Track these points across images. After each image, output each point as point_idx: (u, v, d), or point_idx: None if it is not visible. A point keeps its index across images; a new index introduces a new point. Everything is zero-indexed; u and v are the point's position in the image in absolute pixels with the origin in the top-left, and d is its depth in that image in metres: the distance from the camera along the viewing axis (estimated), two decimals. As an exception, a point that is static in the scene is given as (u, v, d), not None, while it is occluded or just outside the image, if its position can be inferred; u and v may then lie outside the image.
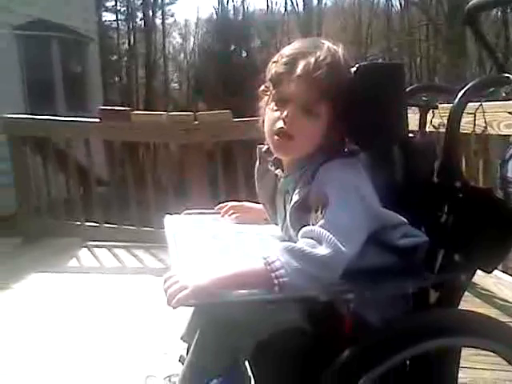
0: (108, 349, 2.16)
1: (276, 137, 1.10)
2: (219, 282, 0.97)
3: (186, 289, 0.96)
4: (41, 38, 8.71)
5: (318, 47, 1.07)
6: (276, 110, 1.10)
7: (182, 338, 1.30)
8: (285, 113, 1.07)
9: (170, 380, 1.26)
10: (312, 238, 0.98)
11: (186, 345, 1.24)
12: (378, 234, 1.06)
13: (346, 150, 1.12)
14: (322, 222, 0.99)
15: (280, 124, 1.09)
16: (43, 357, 2.10)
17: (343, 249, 0.96)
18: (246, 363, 1.15)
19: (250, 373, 1.16)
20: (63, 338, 2.27)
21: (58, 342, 2.23)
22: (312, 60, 1.04)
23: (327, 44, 1.09)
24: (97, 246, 3.69)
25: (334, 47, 1.09)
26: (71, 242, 3.81)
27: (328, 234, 0.97)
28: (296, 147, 1.10)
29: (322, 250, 0.96)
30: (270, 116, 1.12)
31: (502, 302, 2.52)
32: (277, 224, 1.26)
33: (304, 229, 1.01)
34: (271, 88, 1.11)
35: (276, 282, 0.95)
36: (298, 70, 1.04)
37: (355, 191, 1.03)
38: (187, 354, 1.21)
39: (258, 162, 1.25)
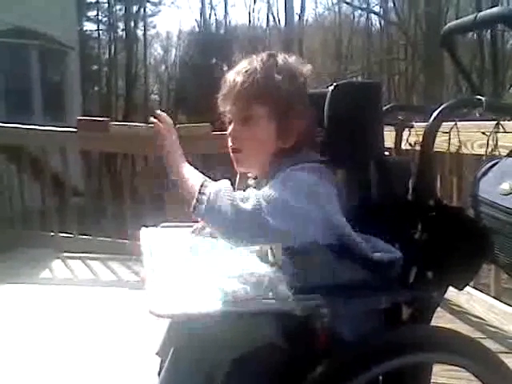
0: (81, 363, 2.12)
1: (231, 154, 1.19)
2: (174, 167, 1.13)
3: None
4: (20, 45, 8.63)
5: (243, 62, 1.16)
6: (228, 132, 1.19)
7: (157, 354, 1.29)
8: (229, 129, 1.17)
9: (146, 394, 1.24)
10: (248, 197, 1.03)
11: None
12: (348, 245, 1.07)
13: (318, 159, 1.14)
14: (263, 197, 1.03)
15: (229, 142, 1.18)
16: (14, 371, 2.05)
17: (263, 215, 1.00)
18: (221, 380, 1.14)
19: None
20: (35, 351, 2.22)
21: (31, 354, 2.19)
22: (232, 76, 1.14)
23: (252, 57, 1.17)
24: (71, 258, 3.64)
25: (259, 57, 1.16)
26: (44, 253, 3.74)
27: (259, 198, 1.02)
28: (247, 158, 1.17)
29: (246, 205, 1.01)
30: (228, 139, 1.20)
31: (474, 319, 2.56)
32: None
33: (251, 193, 1.06)
34: (222, 116, 1.21)
35: (194, 204, 1.02)
36: (225, 90, 1.15)
37: (308, 188, 1.05)
38: (160, 369, 1.20)
39: (237, 178, 1.29)
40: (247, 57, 1.19)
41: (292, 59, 1.18)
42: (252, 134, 1.14)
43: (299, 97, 1.13)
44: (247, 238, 1.04)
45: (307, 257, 1.10)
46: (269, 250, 1.21)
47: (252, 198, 1.03)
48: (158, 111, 1.22)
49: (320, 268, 1.10)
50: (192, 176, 1.11)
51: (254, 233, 1.03)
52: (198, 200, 1.03)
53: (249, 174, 1.25)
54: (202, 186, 1.04)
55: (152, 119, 1.20)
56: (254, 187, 1.19)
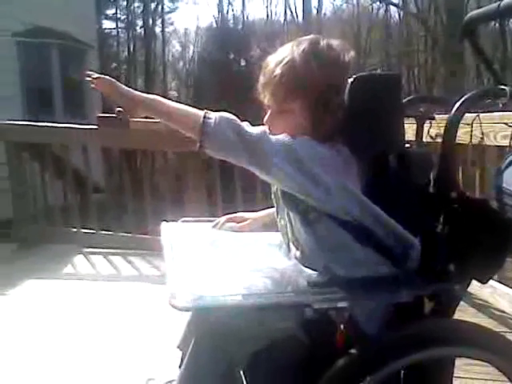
0: (107, 355, 2.15)
1: None
2: (147, 102, 1.11)
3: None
4: (40, 44, 8.73)
5: (282, 51, 1.14)
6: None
7: (178, 347, 1.30)
8: (266, 117, 1.17)
9: (170, 385, 1.26)
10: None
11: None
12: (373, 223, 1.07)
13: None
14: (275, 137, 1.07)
15: (267, 129, 1.16)
16: (39, 365, 2.09)
17: (269, 144, 1.04)
18: (241, 373, 1.15)
19: (244, 382, 1.16)
20: (59, 345, 2.26)
21: (55, 349, 2.22)
22: (273, 65, 1.13)
23: (293, 44, 1.14)
24: (92, 253, 3.68)
25: (300, 44, 1.13)
26: (67, 248, 3.79)
27: (266, 130, 1.07)
28: None
29: (253, 130, 1.05)
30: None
31: (497, 313, 2.52)
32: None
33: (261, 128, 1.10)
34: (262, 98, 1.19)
35: (201, 126, 1.03)
36: (264, 78, 1.15)
37: (326, 158, 1.06)
38: (181, 362, 1.21)
39: None
40: (291, 40, 1.16)
41: (335, 45, 1.15)
42: (287, 126, 1.13)
43: (337, 89, 1.11)
44: (255, 160, 1.05)
45: (325, 238, 1.11)
46: (291, 244, 1.21)
47: (259, 128, 1.07)
48: (88, 72, 1.18)
49: (339, 252, 1.10)
50: (184, 107, 1.11)
51: (262, 157, 1.04)
52: (204, 124, 1.03)
53: None
54: (206, 112, 1.06)
55: (89, 79, 1.16)
56: None
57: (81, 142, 3.92)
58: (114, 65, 20.67)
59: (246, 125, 1.08)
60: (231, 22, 21.54)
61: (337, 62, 1.13)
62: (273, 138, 1.07)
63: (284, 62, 1.11)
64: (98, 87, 1.16)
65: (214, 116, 1.05)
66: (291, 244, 1.21)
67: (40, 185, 4.14)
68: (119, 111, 1.14)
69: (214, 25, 21.89)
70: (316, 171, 1.04)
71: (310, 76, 1.10)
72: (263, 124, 1.18)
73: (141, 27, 21.03)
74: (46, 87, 9.03)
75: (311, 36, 1.17)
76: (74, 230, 3.92)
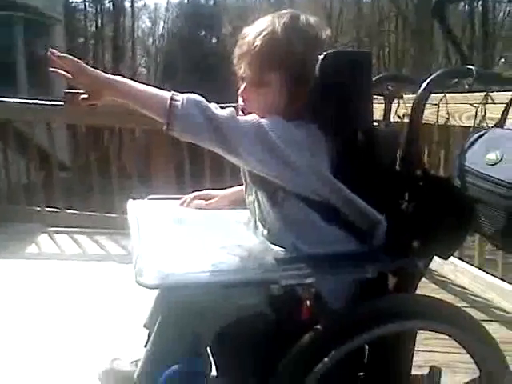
0: (72, 335, 2.12)
1: (240, 113, 1.16)
2: (113, 84, 1.06)
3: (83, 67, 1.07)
4: (3, 17, 8.43)
5: (261, 23, 1.12)
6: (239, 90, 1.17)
7: (144, 326, 1.30)
8: (241, 89, 1.15)
9: (136, 365, 1.26)
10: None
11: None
12: (339, 201, 1.08)
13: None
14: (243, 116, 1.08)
15: (240, 101, 1.17)
16: (2, 345, 2.05)
17: (238, 126, 1.03)
18: (208, 349, 1.15)
19: (211, 359, 1.16)
20: (23, 325, 2.22)
21: (19, 329, 2.19)
22: (252, 36, 1.11)
23: (271, 17, 1.13)
24: (58, 232, 3.61)
25: (279, 17, 1.12)
26: (31, 227, 3.71)
27: (234, 111, 1.04)
28: None
29: (221, 112, 1.03)
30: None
31: (458, 289, 2.60)
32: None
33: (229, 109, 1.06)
34: (236, 70, 1.17)
35: (168, 108, 1.00)
36: (242, 49, 1.12)
37: (295, 137, 1.06)
38: (148, 341, 1.21)
39: None
40: (269, 14, 1.15)
41: (313, 21, 1.15)
42: (263, 99, 1.13)
43: (312, 64, 1.10)
44: (224, 143, 1.03)
45: (292, 216, 1.11)
46: (258, 222, 1.21)
47: (228, 109, 1.04)
48: (51, 50, 1.12)
49: (305, 230, 1.11)
50: (150, 89, 1.07)
51: (232, 139, 1.03)
52: (171, 106, 1.01)
53: None
54: (173, 94, 1.03)
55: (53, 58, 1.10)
56: None
57: (45, 118, 3.82)
58: (81, 40, 20.15)
59: (214, 106, 1.05)
60: (202, -3, 21.17)
61: (315, 38, 1.13)
62: (242, 119, 1.06)
63: (264, 33, 1.10)
64: (61, 67, 1.10)
65: (181, 98, 1.03)
66: (258, 222, 1.21)
67: (2, 162, 4.02)
68: (83, 98, 1.10)
69: (185, 0, 21.48)
70: (286, 153, 1.04)
71: (290, 49, 1.09)
72: (237, 99, 1.18)
73: (109, 1, 20.52)
74: (9, 62, 8.75)
75: (291, 10, 1.16)
76: (38, 208, 3.83)
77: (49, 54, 1.10)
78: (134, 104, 1.07)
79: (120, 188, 3.70)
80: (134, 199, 1.44)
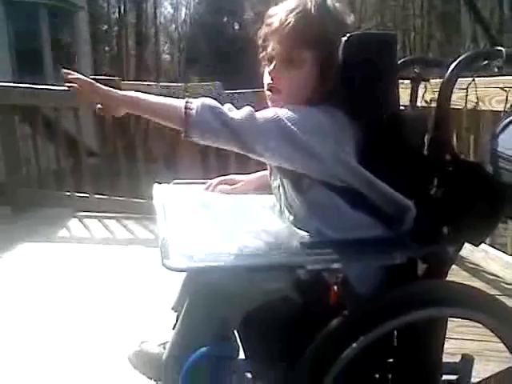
0: (102, 317, 2.17)
1: (268, 92, 1.16)
2: (128, 100, 1.08)
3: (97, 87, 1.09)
4: (29, 5, 8.50)
5: (294, 2, 1.11)
6: (266, 70, 1.15)
7: (172, 308, 1.32)
8: (270, 67, 1.13)
9: (163, 347, 1.28)
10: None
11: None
12: (366, 189, 1.07)
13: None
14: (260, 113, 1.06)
15: (268, 80, 1.15)
16: (35, 328, 2.11)
17: (257, 125, 1.03)
18: (235, 332, 1.16)
19: (238, 342, 1.18)
20: (54, 308, 2.28)
21: (51, 312, 2.24)
22: (283, 14, 1.09)
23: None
24: (87, 217, 3.68)
25: (314, 0, 1.10)
26: (61, 212, 3.79)
27: (250, 111, 1.04)
28: (286, 99, 1.13)
29: (237, 115, 1.03)
30: (264, 75, 1.17)
31: (489, 276, 2.56)
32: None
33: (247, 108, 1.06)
34: (262, 51, 1.16)
35: (184, 117, 1.02)
36: (273, 28, 1.11)
37: (314, 119, 1.05)
38: (176, 323, 1.22)
39: None
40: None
41: (339, 6, 1.14)
42: (295, 77, 1.11)
43: (339, 48, 1.09)
44: (240, 145, 1.04)
45: (318, 203, 1.11)
46: (283, 207, 1.21)
47: (244, 109, 1.04)
48: (64, 70, 1.14)
49: (332, 216, 1.10)
50: (164, 99, 1.09)
51: (248, 141, 1.04)
52: (186, 114, 1.02)
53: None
54: (187, 102, 1.04)
55: (65, 79, 1.12)
56: None
57: (72, 104, 3.86)
58: (105, 26, 20.25)
59: (228, 109, 1.05)
60: (224, -17, 21.00)
61: (343, 21, 1.13)
62: (260, 117, 1.05)
63: (297, 10, 1.09)
64: (76, 87, 1.12)
65: (195, 105, 1.03)
66: (284, 207, 1.21)
67: (32, 148, 4.09)
68: (100, 109, 1.12)
69: (208, -14, 21.36)
70: (310, 143, 1.03)
71: (323, 29, 1.09)
72: (260, 83, 1.16)
73: (132, -12, 20.53)
74: (36, 49, 8.84)
75: None
76: (68, 193, 3.90)
77: (64, 74, 1.13)
78: (151, 116, 1.11)
79: (147, 173, 3.73)
80: (160, 184, 1.45)
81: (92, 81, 1.11)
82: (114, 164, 3.89)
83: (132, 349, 1.40)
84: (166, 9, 23.16)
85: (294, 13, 1.08)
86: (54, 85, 4.36)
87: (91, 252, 3.04)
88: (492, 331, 1.09)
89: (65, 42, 10.04)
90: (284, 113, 1.05)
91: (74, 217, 3.70)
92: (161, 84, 3.90)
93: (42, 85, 4.15)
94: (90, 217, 3.68)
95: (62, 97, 3.89)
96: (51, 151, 4.25)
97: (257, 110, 1.07)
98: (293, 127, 1.03)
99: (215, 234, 1.09)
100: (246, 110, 1.05)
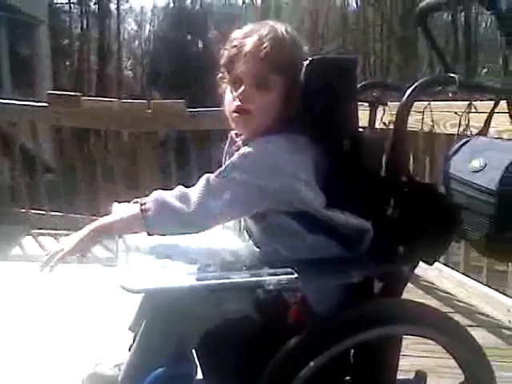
0: (55, 338, 2.10)
1: (234, 114, 1.16)
2: (93, 234, 1.12)
3: (61, 251, 1.09)
4: (-13, 17, 8.34)
5: (262, 27, 1.13)
6: (232, 91, 1.16)
7: (129, 329, 1.29)
8: (239, 90, 1.14)
9: (119, 368, 1.25)
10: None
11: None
12: (318, 217, 1.09)
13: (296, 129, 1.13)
14: (215, 173, 1.09)
15: (237, 102, 1.15)
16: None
17: (207, 213, 1.07)
18: (194, 352, 1.15)
19: (197, 362, 1.16)
20: (6, 328, 2.19)
21: (1, 332, 2.16)
22: (256, 38, 1.11)
23: (270, 24, 1.15)
24: (42, 235, 3.58)
25: (278, 25, 1.15)
26: (16, 229, 3.66)
27: (202, 193, 1.07)
28: (254, 121, 1.15)
29: (188, 208, 1.06)
30: (228, 98, 1.18)
31: (443, 294, 2.63)
32: None
33: (203, 177, 1.10)
34: (225, 72, 1.17)
35: (144, 222, 1.07)
36: (245, 49, 1.11)
37: (267, 160, 1.08)
38: (132, 344, 1.20)
39: (226, 145, 1.28)
40: (260, 23, 1.17)
41: (297, 33, 1.19)
42: (264, 100, 1.13)
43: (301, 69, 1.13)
44: (200, 229, 1.10)
45: (276, 229, 1.12)
46: (242, 225, 1.21)
47: (196, 193, 1.07)
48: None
49: (291, 240, 1.11)
50: (120, 213, 1.14)
51: (205, 224, 1.09)
52: (144, 219, 1.07)
53: (237, 139, 1.23)
54: (141, 209, 1.08)
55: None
56: (237, 150, 1.16)
57: (29, 119, 3.78)
58: (66, 41, 19.99)
59: (179, 197, 1.08)
60: (189, 2, 21.16)
61: (303, 47, 1.17)
62: (204, 191, 1.07)
63: (270, 35, 1.11)
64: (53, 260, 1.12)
65: (150, 210, 1.07)
66: (243, 229, 1.22)
67: (-14, 163, 3.98)
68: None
69: (172, 4, 21.46)
70: (263, 185, 1.06)
71: (293, 54, 1.13)
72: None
73: (95, 3, 20.39)
74: (-7, 62, 8.65)
75: (274, 21, 1.18)
76: (23, 210, 3.79)
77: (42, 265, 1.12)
78: (120, 233, 1.16)
79: (106, 191, 3.67)
80: (120, 202, 1.43)
81: (58, 248, 1.12)
82: (72, 180, 3.82)
83: (86, 371, 1.37)
84: (130, 25, 23.02)
85: (267, 37, 1.10)
86: (11, 99, 4.27)
87: (44, 274, 2.95)
88: (444, 348, 1.12)
89: (24, 56, 9.86)
90: (233, 163, 1.08)
91: (29, 234, 3.59)
92: (123, 101, 3.86)
93: (-1, 99, 4.05)
94: (46, 234, 3.58)
95: (19, 111, 3.81)
96: (6, 167, 4.14)
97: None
98: (242, 179, 1.06)
99: (174, 254, 1.08)
100: (197, 191, 1.07)
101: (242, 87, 1.14)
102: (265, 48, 1.10)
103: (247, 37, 1.13)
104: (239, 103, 1.14)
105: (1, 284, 2.71)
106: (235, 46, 1.13)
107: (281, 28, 1.14)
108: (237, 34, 1.16)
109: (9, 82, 8.79)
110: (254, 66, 1.11)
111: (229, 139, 1.27)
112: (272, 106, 1.13)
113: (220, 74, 1.20)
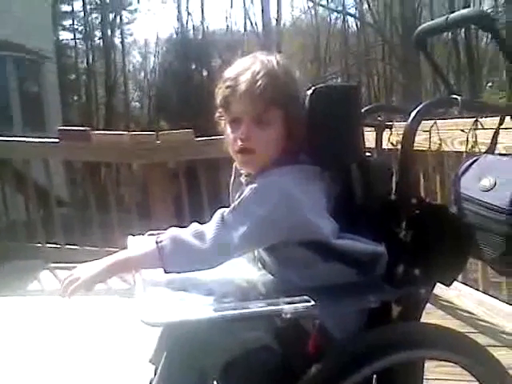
0: (77, 372, 2.10)
1: (239, 155, 1.16)
2: (111, 268, 1.14)
3: (78, 280, 1.13)
4: (-4, 57, 8.54)
5: (253, 63, 1.14)
6: (233, 131, 1.16)
7: (150, 361, 1.29)
8: (240, 130, 1.14)
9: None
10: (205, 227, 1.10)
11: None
12: (330, 246, 1.09)
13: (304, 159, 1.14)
14: (229, 209, 1.10)
15: (239, 142, 1.14)
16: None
17: (223, 249, 1.07)
18: (214, 383, 1.15)
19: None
20: (27, 363, 2.20)
21: (22, 367, 2.16)
22: (249, 75, 1.11)
23: (261, 58, 1.15)
24: (59, 268, 3.59)
25: (268, 58, 1.15)
26: (32, 264, 3.69)
27: (217, 230, 1.08)
28: (259, 158, 1.15)
29: (203, 244, 1.07)
30: (229, 138, 1.18)
31: (464, 314, 2.57)
32: None
33: (217, 212, 1.11)
34: (223, 112, 1.18)
35: (160, 261, 1.08)
36: (240, 88, 1.11)
37: (279, 193, 1.07)
38: (154, 376, 1.20)
39: (232, 177, 1.29)
40: (251, 56, 1.17)
41: (288, 62, 1.19)
42: (267, 136, 1.13)
43: (302, 101, 1.14)
44: (216, 265, 1.10)
45: (290, 259, 1.12)
46: (255, 255, 1.23)
47: (212, 229, 1.08)
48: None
49: (305, 269, 1.12)
50: (139, 247, 1.15)
51: (221, 259, 1.10)
52: (163, 263, 1.08)
53: (241, 171, 1.24)
54: (158, 248, 1.09)
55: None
56: (247, 184, 1.17)
57: (42, 155, 3.84)
58: (73, 76, 20.35)
59: (194, 235, 1.08)
60: (191, 32, 21.51)
61: (295, 76, 1.18)
62: (234, 218, 1.08)
63: (263, 72, 1.11)
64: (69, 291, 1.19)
65: (165, 244, 1.09)
66: (256, 259, 1.23)
67: (1, 200, 4.03)
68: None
69: (175, 35, 21.82)
70: (275, 219, 1.06)
71: (288, 86, 1.13)
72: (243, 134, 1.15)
73: (99, 38, 20.83)
74: (3, 101, 8.82)
75: (263, 52, 1.18)
76: (39, 245, 3.82)
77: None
78: (136, 269, 1.16)
79: (119, 222, 3.69)
80: (134, 235, 1.45)
81: (76, 274, 1.18)
82: (86, 213, 3.85)
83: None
84: (135, 57, 23.41)
85: (260, 74, 1.10)
86: (22, 136, 4.35)
87: (64, 304, 2.96)
88: (466, 370, 1.11)
89: (33, 93, 10.04)
90: (245, 202, 1.09)
91: (46, 268, 3.61)
92: (132, 133, 3.92)
93: (10, 136, 4.13)
94: (62, 268, 3.60)
95: (31, 148, 3.88)
96: (21, 202, 4.19)
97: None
98: (256, 215, 1.06)
99: (192, 285, 1.10)
100: (212, 227, 1.08)
101: (242, 127, 1.13)
102: (259, 85, 1.09)
103: (240, 75, 1.12)
104: (242, 143, 1.14)
105: (20, 319, 2.73)
106: (229, 87, 1.13)
107: (272, 61, 1.14)
108: (229, 72, 1.15)
109: (19, 119, 8.94)
110: (251, 105, 1.11)
111: (233, 170, 1.28)
112: (275, 140, 1.14)
113: (217, 114, 1.21)
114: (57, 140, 3.69)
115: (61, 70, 13.69)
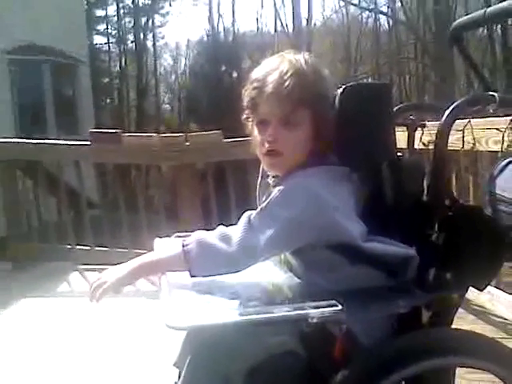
0: (103, 373, 2.12)
1: (267, 157, 1.14)
2: (137, 271, 1.13)
3: (105, 283, 1.13)
4: (32, 61, 8.75)
5: (281, 62, 1.12)
6: (260, 133, 1.14)
7: (174, 365, 1.29)
8: (268, 132, 1.12)
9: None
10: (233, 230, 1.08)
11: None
12: (358, 248, 1.06)
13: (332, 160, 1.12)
14: (256, 211, 1.08)
15: (266, 145, 1.12)
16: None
17: (250, 252, 1.05)
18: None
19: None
20: (57, 363, 2.23)
21: (53, 368, 2.19)
22: (277, 76, 1.09)
23: (288, 57, 1.13)
24: (88, 270, 3.64)
25: (296, 57, 1.13)
26: (62, 266, 3.76)
27: (244, 233, 1.06)
28: (288, 160, 1.13)
29: (230, 248, 1.05)
30: (257, 140, 1.16)
31: (497, 319, 2.51)
32: None
33: (244, 215, 1.09)
34: (250, 114, 1.16)
35: (186, 264, 1.07)
36: (267, 90, 1.09)
37: (307, 195, 1.05)
38: (178, 379, 1.19)
39: (259, 178, 1.27)
40: (279, 55, 1.15)
41: (316, 60, 1.16)
42: (295, 137, 1.11)
43: (331, 100, 1.12)
44: (243, 268, 1.09)
45: (317, 262, 1.10)
46: (283, 263, 1.20)
47: (238, 233, 1.06)
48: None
49: (332, 273, 1.09)
50: (163, 253, 1.15)
51: (248, 263, 1.08)
52: (189, 264, 1.07)
53: (269, 173, 1.22)
54: (184, 251, 1.08)
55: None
56: (274, 186, 1.15)
57: (73, 158, 3.90)
58: (106, 79, 20.72)
59: (220, 238, 1.07)
60: (222, 34, 21.63)
61: (325, 74, 1.15)
62: (248, 229, 1.06)
63: (291, 71, 1.09)
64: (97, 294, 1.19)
65: (191, 248, 1.08)
66: (283, 262, 1.21)
67: (33, 202, 4.11)
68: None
69: (205, 38, 21.98)
70: (305, 222, 1.04)
71: (317, 86, 1.11)
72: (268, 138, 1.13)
73: (132, 42, 21.15)
74: (38, 104, 9.05)
75: (291, 51, 1.16)
76: (69, 246, 3.88)
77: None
78: (162, 272, 1.15)
79: (148, 224, 3.72)
80: (161, 237, 1.45)
81: (104, 278, 1.18)
82: (115, 215, 3.89)
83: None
84: (166, 60, 23.67)
85: (288, 74, 1.08)
86: (56, 138, 4.43)
87: (92, 305, 3.00)
88: (499, 378, 1.07)
89: (67, 97, 10.25)
90: (274, 203, 1.06)
91: (76, 270, 3.67)
92: (162, 135, 3.94)
93: (44, 138, 4.21)
94: (92, 270, 3.65)
95: (63, 150, 3.96)
96: (52, 204, 4.26)
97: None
98: (284, 219, 1.04)
99: (217, 289, 1.08)
100: (238, 230, 1.07)
101: (270, 128, 1.11)
102: (287, 86, 1.07)
103: (268, 75, 1.10)
104: (269, 146, 1.12)
105: (50, 319, 2.77)
106: (257, 88, 1.11)
107: (300, 59, 1.12)
108: (257, 73, 1.14)
109: (53, 122, 9.14)
110: (279, 106, 1.09)
111: (260, 172, 1.26)
112: (303, 141, 1.12)
113: (245, 115, 1.19)
114: (88, 143, 3.75)
115: (94, 74, 13.96)
